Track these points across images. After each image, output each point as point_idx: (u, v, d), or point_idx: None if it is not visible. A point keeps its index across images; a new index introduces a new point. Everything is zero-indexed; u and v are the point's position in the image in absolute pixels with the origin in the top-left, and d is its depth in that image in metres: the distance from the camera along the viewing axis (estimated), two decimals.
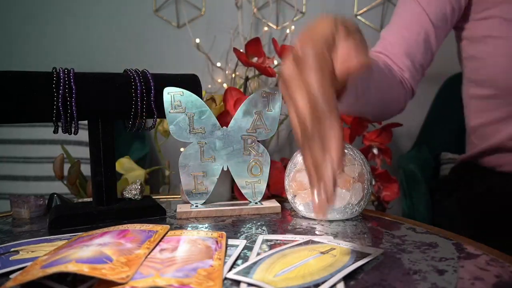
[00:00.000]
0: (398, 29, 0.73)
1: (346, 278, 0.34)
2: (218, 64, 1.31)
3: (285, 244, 0.43)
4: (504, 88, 0.69)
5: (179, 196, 0.69)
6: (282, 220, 0.55)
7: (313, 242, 0.43)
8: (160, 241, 0.43)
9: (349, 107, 0.63)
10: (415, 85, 0.75)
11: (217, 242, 0.43)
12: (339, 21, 0.37)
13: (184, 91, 0.55)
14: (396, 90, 0.70)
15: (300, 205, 0.55)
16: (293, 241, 0.44)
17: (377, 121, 0.82)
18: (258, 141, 0.59)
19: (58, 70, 0.51)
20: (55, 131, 0.52)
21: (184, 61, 1.38)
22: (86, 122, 0.55)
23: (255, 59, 0.88)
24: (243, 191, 0.59)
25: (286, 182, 0.57)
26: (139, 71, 0.56)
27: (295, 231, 0.49)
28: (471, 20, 0.72)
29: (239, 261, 0.39)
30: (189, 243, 0.42)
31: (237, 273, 0.35)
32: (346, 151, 0.54)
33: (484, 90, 0.73)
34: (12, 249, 0.42)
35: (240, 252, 0.41)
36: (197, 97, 0.55)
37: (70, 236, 0.47)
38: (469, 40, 0.74)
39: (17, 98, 0.48)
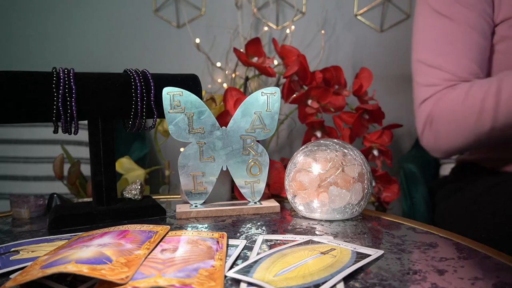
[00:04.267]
0: (468, 45, 0.69)
1: (346, 278, 0.34)
2: (218, 64, 1.31)
3: (285, 244, 0.43)
4: None
5: (179, 196, 0.69)
6: (282, 220, 0.55)
7: (313, 242, 0.43)
8: (160, 241, 0.43)
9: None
10: None
11: (218, 242, 0.43)
12: None
13: (183, 91, 0.55)
14: None
15: (300, 205, 0.55)
16: (293, 241, 0.44)
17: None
18: (257, 141, 0.59)
19: (58, 70, 0.51)
20: (55, 131, 0.52)
21: (184, 61, 1.38)
22: (86, 122, 0.55)
23: (255, 59, 0.88)
24: (242, 191, 0.59)
25: (286, 182, 0.57)
26: (139, 71, 0.56)
27: (295, 231, 0.49)
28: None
29: (239, 261, 0.39)
30: (191, 243, 0.42)
31: (237, 272, 0.35)
32: (346, 151, 0.54)
33: None
34: (13, 249, 0.42)
35: (240, 252, 0.41)
36: (196, 97, 0.55)
37: (70, 236, 0.47)
38: None
39: (17, 98, 0.48)
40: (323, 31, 1.35)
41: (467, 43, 0.69)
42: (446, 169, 1.04)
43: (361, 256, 0.39)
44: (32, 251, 0.41)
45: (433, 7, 0.72)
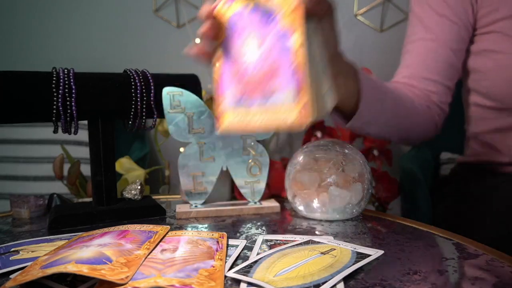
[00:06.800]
0: (418, 61, 0.74)
1: (346, 278, 0.34)
2: None
3: (285, 244, 0.43)
4: (505, 102, 0.69)
5: (179, 196, 0.69)
6: (282, 220, 0.55)
7: (313, 242, 0.43)
8: (160, 241, 0.43)
9: (369, 129, 0.63)
10: (446, 105, 0.76)
11: (218, 242, 0.43)
12: None
13: (184, 91, 0.55)
14: (417, 117, 0.70)
15: (300, 205, 0.55)
16: (293, 241, 0.44)
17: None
18: (257, 141, 0.59)
19: (58, 70, 0.51)
20: (55, 131, 0.52)
21: (184, 61, 1.38)
22: (86, 122, 0.55)
23: None
24: (242, 191, 0.59)
25: (286, 182, 0.57)
26: (139, 71, 0.56)
27: (295, 231, 0.49)
28: (473, 34, 0.73)
29: (239, 261, 0.39)
30: (191, 243, 0.42)
31: (237, 272, 0.35)
32: (346, 151, 0.54)
33: (485, 100, 0.73)
34: (13, 249, 0.42)
35: (240, 252, 0.41)
36: (196, 97, 0.55)
37: (70, 236, 0.47)
38: (471, 52, 0.74)
39: (17, 98, 0.48)
40: None
41: (423, 49, 0.73)
42: (446, 169, 1.04)
43: (361, 256, 0.39)
44: (32, 251, 0.41)
45: (412, 9, 0.77)
